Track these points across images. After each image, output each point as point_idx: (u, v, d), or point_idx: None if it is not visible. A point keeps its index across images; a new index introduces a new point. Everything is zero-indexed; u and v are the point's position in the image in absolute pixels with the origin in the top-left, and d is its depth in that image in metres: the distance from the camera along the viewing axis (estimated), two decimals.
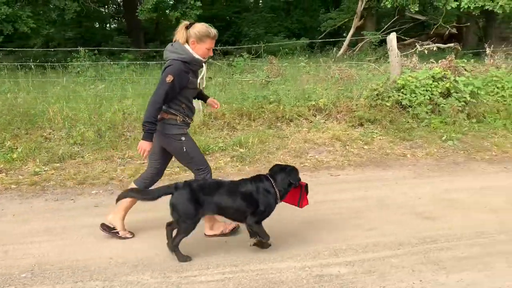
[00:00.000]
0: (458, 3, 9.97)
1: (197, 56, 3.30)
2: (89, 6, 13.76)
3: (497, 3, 9.16)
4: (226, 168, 5.24)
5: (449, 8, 10.43)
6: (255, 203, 3.22)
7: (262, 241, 3.31)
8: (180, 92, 3.29)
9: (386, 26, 17.79)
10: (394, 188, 4.72)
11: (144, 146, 3.24)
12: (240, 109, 6.78)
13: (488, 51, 9.63)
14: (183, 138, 3.38)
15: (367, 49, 16.35)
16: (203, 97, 3.84)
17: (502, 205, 4.27)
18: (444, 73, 7.30)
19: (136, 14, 13.71)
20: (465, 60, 8.28)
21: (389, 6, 10.94)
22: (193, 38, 3.27)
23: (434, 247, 3.42)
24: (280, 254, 3.27)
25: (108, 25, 29.96)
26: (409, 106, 7.07)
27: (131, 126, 6.36)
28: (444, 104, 7.00)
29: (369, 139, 6.25)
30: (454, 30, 21.18)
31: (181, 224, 3.15)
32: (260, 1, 31.39)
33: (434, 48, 9.06)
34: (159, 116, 3.26)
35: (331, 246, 3.39)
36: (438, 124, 6.73)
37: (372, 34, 15.62)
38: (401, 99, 7.09)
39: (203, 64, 3.55)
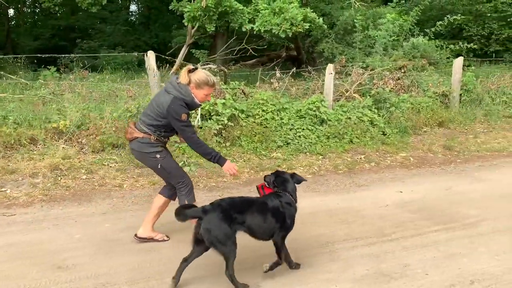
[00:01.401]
0: (252, 25, 10.07)
1: (196, 100, 3.52)
2: None
3: (281, 27, 9.39)
4: None
5: (244, 29, 10.50)
6: (282, 218, 3.27)
7: (278, 263, 3.33)
8: (169, 124, 3.52)
9: (226, 45, 17.85)
10: (55, 231, 4.11)
11: (227, 167, 3.60)
12: None
13: (278, 74, 9.81)
14: (158, 156, 3.61)
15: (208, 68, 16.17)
16: None
17: None
18: None
19: None
20: (237, 83, 8.22)
21: (186, 24, 10.68)
22: (192, 84, 3.49)
23: None
24: None
25: None
26: None
27: None
28: (199, 127, 6.74)
29: (97, 168, 5.66)
30: (293, 52, 22.04)
31: (223, 249, 3.03)
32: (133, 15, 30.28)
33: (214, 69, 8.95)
34: (133, 135, 3.59)
35: None
36: (186, 148, 6.41)
37: (202, 52, 15.43)
38: None
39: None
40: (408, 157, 7.21)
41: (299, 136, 7.32)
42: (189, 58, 16.79)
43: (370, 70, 10.08)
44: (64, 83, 9.66)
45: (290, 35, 9.70)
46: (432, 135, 8.34)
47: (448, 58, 13.07)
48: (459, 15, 11.95)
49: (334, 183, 5.93)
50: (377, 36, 10.66)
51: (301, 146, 7.09)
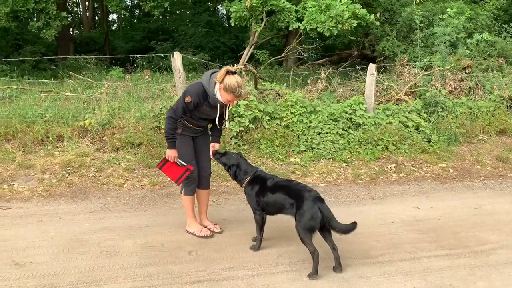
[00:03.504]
0: (299, 24, 9.72)
1: (217, 96, 3.69)
2: None
3: (325, 26, 8.92)
4: None
5: (291, 29, 10.17)
6: None
7: None
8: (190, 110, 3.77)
9: (291, 45, 17.55)
10: (35, 227, 4.23)
11: (169, 153, 3.87)
12: None
13: (323, 74, 9.38)
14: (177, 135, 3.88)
15: (268, 68, 16.13)
16: (212, 136, 4.15)
17: None
18: None
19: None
20: (270, 84, 7.96)
21: (232, 24, 10.59)
22: (222, 85, 3.63)
23: None
24: None
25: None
26: None
27: None
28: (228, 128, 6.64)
29: (107, 166, 5.80)
30: (369, 51, 21.12)
31: None
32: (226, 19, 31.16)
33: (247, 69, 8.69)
34: None
35: None
36: None
37: (263, 53, 15.31)
38: None
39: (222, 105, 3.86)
40: (447, 168, 6.42)
41: (326, 141, 6.87)
42: (251, 59, 16.76)
43: (425, 71, 9.21)
44: (118, 83, 10.14)
45: (335, 34, 9.18)
46: (487, 144, 7.35)
47: None
48: None
49: (347, 194, 5.45)
50: (437, 33, 9.67)
51: (326, 151, 6.64)
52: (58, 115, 6.85)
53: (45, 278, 3.32)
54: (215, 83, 3.66)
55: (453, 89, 9.06)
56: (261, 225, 3.86)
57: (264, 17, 10.03)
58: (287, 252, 3.84)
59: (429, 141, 7.28)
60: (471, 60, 9.57)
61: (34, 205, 4.76)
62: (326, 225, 3.47)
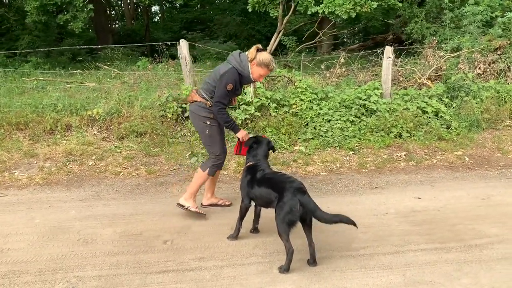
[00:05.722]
0: (318, 8, 9.38)
1: (251, 76, 3.83)
2: None
3: (343, 9, 8.55)
4: None
5: (309, 13, 9.85)
6: None
7: None
8: None
9: (322, 31, 17.06)
10: (23, 214, 4.31)
11: (241, 135, 3.95)
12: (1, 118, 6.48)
13: (342, 59, 9.05)
14: (208, 122, 3.97)
15: (295, 55, 15.85)
16: None
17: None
18: None
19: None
20: (279, 70, 7.74)
21: (250, 10, 10.39)
22: (256, 61, 3.78)
23: None
24: None
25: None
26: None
27: None
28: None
29: (109, 155, 5.86)
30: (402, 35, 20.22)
31: None
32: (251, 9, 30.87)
33: None
34: (193, 98, 3.99)
35: None
36: (194, 142, 6.27)
37: (290, 39, 15.02)
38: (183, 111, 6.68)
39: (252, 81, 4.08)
40: (463, 156, 6.00)
41: (335, 128, 6.60)
42: (283, 47, 16.44)
43: (450, 53, 8.66)
44: (141, 72, 10.26)
45: (353, 16, 8.79)
46: None
47: None
48: None
49: (346, 183, 5.21)
50: (466, 12, 9.05)
51: (333, 139, 6.38)
52: (69, 104, 6.99)
53: (16, 265, 3.37)
54: (248, 63, 3.77)
55: (482, 72, 8.48)
56: (243, 215, 3.75)
57: (281, 2, 9.78)
58: (264, 243, 3.70)
59: (448, 128, 6.84)
60: (508, 39, 8.87)
61: (29, 192, 4.87)
62: (307, 218, 3.28)
